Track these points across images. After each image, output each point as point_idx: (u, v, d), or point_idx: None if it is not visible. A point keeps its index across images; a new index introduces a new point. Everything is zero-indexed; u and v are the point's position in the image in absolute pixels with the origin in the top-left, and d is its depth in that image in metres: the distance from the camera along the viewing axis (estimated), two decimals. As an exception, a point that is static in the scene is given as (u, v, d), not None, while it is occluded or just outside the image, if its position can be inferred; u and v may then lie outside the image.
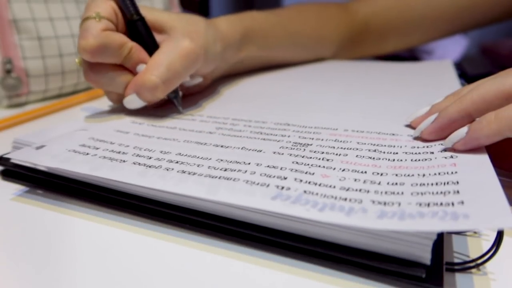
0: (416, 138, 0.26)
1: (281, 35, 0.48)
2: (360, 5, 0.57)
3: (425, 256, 0.17)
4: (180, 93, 0.35)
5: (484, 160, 0.22)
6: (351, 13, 0.56)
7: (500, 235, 0.19)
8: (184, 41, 0.32)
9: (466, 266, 0.19)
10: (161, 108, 0.35)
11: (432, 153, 0.24)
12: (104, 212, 0.24)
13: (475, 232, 0.22)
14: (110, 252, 0.20)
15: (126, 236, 0.22)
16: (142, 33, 0.33)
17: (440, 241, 0.19)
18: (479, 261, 0.19)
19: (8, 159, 0.26)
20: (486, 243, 0.21)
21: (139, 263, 0.20)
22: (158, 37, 0.34)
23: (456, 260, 0.20)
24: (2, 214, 0.24)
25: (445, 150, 0.24)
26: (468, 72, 0.45)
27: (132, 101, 0.32)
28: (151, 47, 0.33)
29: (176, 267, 0.19)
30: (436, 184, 0.20)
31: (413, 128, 0.28)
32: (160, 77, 0.31)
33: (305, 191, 0.21)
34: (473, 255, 0.20)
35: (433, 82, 0.42)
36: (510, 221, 0.16)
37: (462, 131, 0.23)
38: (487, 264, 0.19)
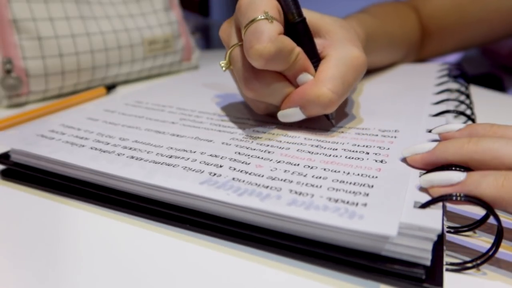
0: (403, 160, 0.24)
1: (383, 38, 0.45)
2: (420, 6, 0.56)
3: (425, 257, 0.18)
4: None
5: (406, 172, 0.23)
6: (417, 13, 0.55)
7: (499, 235, 0.19)
8: (353, 50, 0.29)
9: (466, 266, 0.19)
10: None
11: (368, 153, 0.25)
12: (104, 211, 0.24)
13: (474, 232, 0.22)
14: (113, 247, 0.20)
15: (128, 231, 0.22)
16: (304, 37, 0.29)
17: (440, 242, 0.19)
18: (479, 261, 0.19)
19: (8, 157, 0.26)
20: (486, 243, 0.21)
21: (142, 259, 0.20)
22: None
23: (456, 260, 0.20)
24: (2, 211, 0.24)
25: (380, 154, 0.25)
26: (468, 72, 0.45)
27: (293, 115, 0.29)
28: (312, 54, 0.29)
29: (177, 263, 0.19)
30: (354, 184, 0.21)
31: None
32: (336, 91, 0.27)
33: (233, 178, 0.22)
34: (473, 255, 0.20)
35: (408, 83, 0.42)
36: (393, 231, 0.17)
37: (454, 177, 0.20)
38: (487, 264, 0.19)
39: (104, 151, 0.25)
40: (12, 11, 0.41)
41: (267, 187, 0.21)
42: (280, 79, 0.28)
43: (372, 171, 0.23)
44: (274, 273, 0.19)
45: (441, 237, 0.19)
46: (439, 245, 0.19)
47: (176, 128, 0.30)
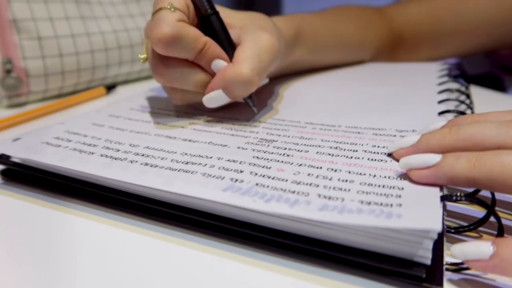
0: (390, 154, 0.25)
1: (328, 37, 0.46)
2: (394, 13, 0.56)
3: (426, 256, 0.17)
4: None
5: None
6: (388, 19, 0.55)
7: (500, 235, 0.19)
8: (264, 34, 0.31)
9: (466, 266, 0.19)
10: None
11: (390, 155, 0.25)
12: (104, 211, 0.24)
13: (475, 232, 0.22)
14: (109, 251, 0.20)
15: (126, 235, 0.22)
16: (217, 28, 0.31)
17: (441, 241, 0.19)
18: (479, 261, 0.19)
19: (8, 157, 0.26)
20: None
21: (139, 263, 0.20)
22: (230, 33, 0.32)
23: (456, 260, 0.20)
24: (2, 211, 0.24)
25: None
26: (468, 72, 0.45)
27: (216, 98, 0.30)
28: (226, 43, 0.31)
29: (175, 267, 0.19)
30: (383, 186, 0.21)
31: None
32: (253, 69, 0.29)
33: (257, 184, 0.22)
34: (473, 255, 0.19)
35: (413, 83, 0.42)
36: (437, 224, 0.17)
37: (430, 159, 0.21)
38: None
39: (115, 158, 0.25)
40: (12, 11, 0.41)
41: (294, 192, 0.21)
42: (188, 65, 0.30)
43: (398, 173, 0.22)
44: (273, 273, 0.19)
45: (441, 236, 0.19)
46: (439, 244, 0.19)
47: (187, 133, 0.29)
